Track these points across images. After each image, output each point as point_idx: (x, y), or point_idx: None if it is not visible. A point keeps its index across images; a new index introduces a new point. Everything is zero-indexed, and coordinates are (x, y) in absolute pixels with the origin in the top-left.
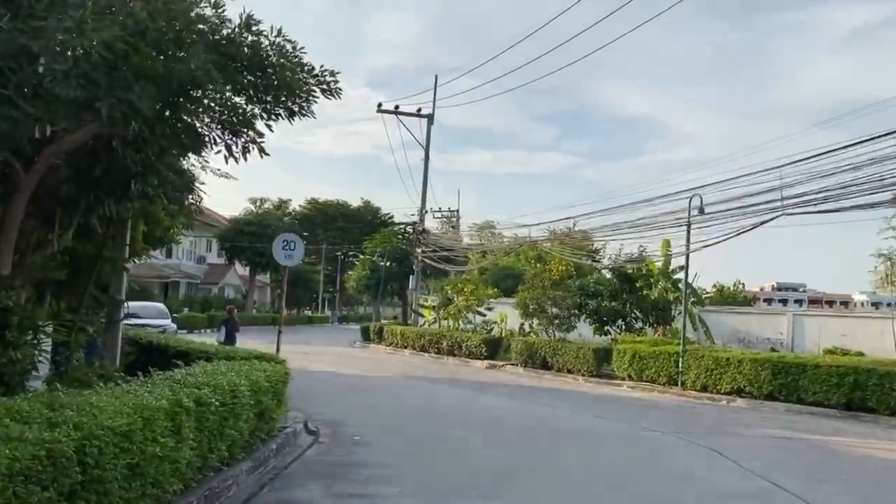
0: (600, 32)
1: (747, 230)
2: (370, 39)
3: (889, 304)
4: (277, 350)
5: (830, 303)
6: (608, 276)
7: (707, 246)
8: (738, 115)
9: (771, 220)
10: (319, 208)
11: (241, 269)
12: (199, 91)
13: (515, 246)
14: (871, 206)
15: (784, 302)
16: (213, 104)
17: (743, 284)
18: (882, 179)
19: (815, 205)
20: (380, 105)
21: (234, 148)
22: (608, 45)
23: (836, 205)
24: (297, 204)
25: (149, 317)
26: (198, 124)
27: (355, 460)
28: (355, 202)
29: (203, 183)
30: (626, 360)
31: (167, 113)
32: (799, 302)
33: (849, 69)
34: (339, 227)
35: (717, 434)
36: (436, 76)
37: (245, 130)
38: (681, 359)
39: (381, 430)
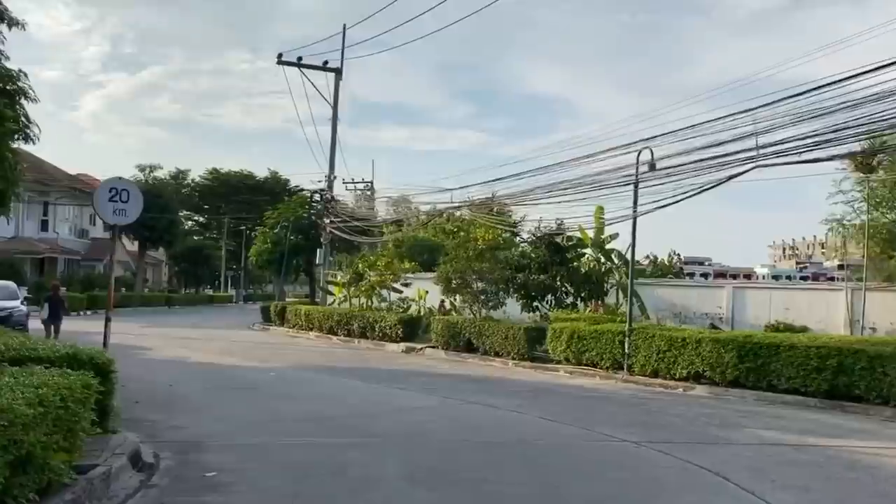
0: (513, 8)
1: (711, 186)
2: (280, 9)
3: (788, 277)
4: (105, 344)
5: (735, 275)
6: (528, 248)
7: (662, 207)
8: (644, 94)
9: (742, 173)
10: (222, 179)
11: (130, 245)
12: None
13: (435, 213)
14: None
15: (691, 275)
16: None
17: (678, 255)
18: (884, 119)
19: (799, 153)
20: (280, 56)
21: None
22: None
23: (826, 152)
24: (196, 174)
25: None
26: None
27: None
28: (262, 174)
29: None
30: (562, 342)
31: None
32: (705, 275)
33: (748, 50)
34: (244, 199)
35: (701, 441)
36: (344, 25)
37: None
38: (627, 339)
39: (253, 455)
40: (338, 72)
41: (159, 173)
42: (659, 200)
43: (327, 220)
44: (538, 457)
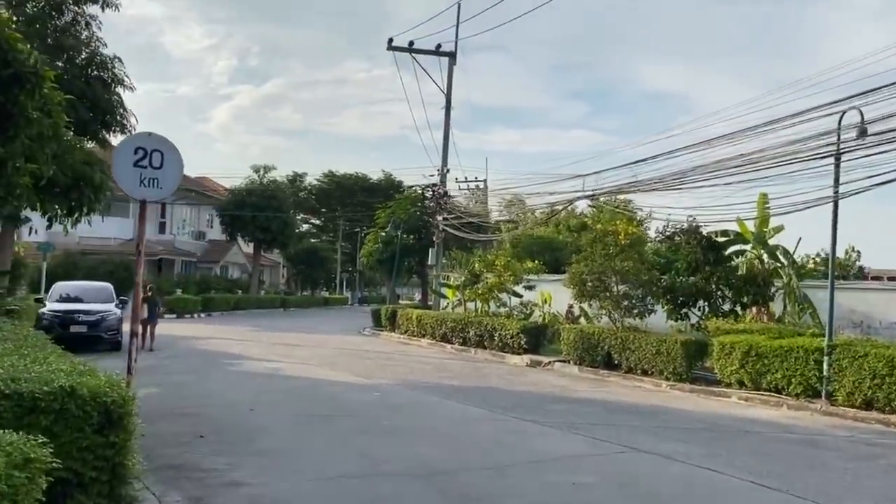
0: (627, 3)
1: None
2: (395, 17)
3: None
4: (129, 369)
5: (893, 278)
6: (661, 247)
7: (882, 184)
8: (766, 89)
9: None
10: (337, 181)
11: (247, 247)
12: None
13: (564, 204)
14: None
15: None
16: None
17: (858, 253)
18: None
19: None
20: (391, 41)
21: None
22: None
23: None
24: (313, 178)
25: (90, 300)
26: None
27: None
28: (376, 176)
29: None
30: (734, 360)
31: None
32: (856, 278)
33: (881, 40)
34: (359, 201)
35: None
36: (458, 3)
37: None
38: (826, 358)
39: None
40: (452, 55)
41: (273, 174)
42: (875, 176)
43: (440, 218)
44: None
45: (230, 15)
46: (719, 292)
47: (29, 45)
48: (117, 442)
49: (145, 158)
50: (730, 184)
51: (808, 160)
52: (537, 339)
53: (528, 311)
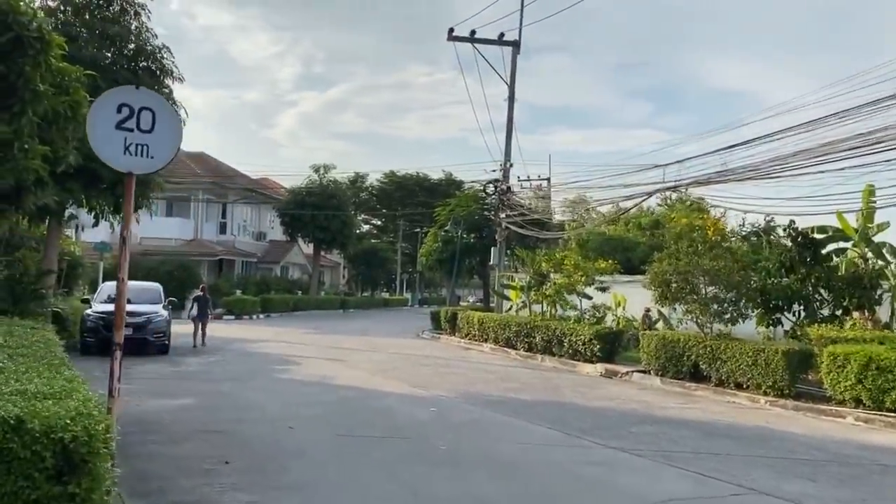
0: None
1: None
2: (456, 19)
3: None
4: (111, 391)
5: None
6: (744, 245)
7: None
8: (837, 84)
9: None
10: (397, 182)
11: (307, 247)
12: None
13: (641, 196)
14: None
15: None
16: None
17: None
18: None
19: None
20: (451, 31)
21: None
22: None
23: None
24: (374, 178)
25: (137, 301)
26: None
27: None
28: (437, 175)
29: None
30: (849, 374)
31: None
32: None
33: None
34: (419, 201)
35: None
36: None
37: None
38: None
39: None
40: (515, 44)
41: (333, 174)
42: None
43: (503, 215)
44: None
45: (295, 22)
46: (817, 295)
47: (37, 10)
48: (78, 493)
49: (131, 118)
50: (842, 169)
51: None
52: (612, 346)
53: (600, 315)
